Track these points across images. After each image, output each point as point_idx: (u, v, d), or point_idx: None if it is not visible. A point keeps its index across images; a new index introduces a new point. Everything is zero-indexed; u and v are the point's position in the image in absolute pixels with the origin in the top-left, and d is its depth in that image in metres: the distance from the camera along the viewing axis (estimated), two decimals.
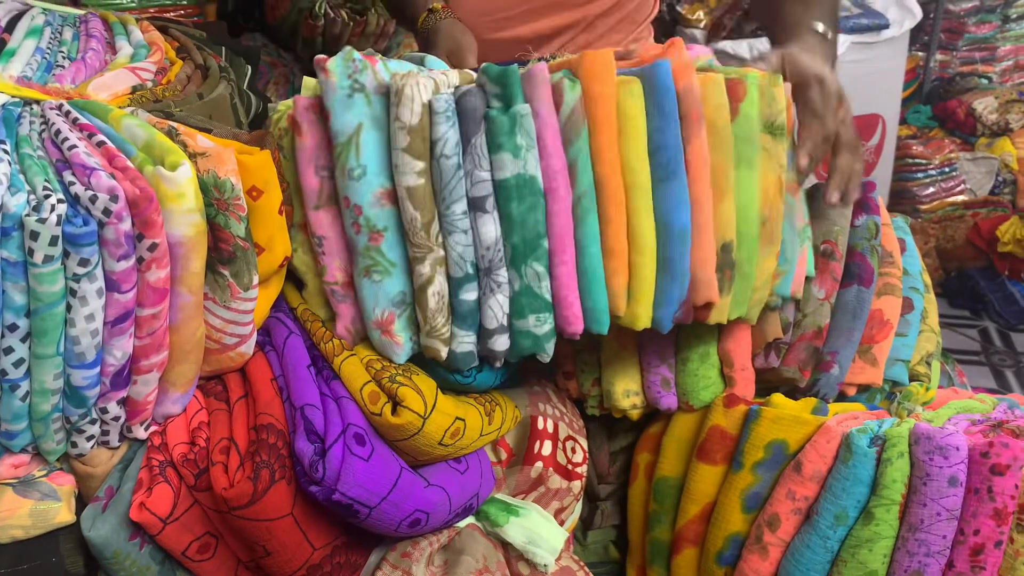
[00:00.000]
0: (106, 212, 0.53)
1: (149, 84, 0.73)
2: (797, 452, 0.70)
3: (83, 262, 0.54)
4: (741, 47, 2.24)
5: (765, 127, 0.66)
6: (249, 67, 0.92)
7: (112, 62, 0.76)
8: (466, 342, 0.65)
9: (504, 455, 0.75)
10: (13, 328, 0.54)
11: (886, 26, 2.29)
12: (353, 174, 0.62)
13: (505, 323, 0.65)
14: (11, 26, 0.75)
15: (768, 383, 0.78)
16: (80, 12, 0.86)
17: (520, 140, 0.61)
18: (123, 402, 0.61)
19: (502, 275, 0.63)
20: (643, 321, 0.65)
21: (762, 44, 2.21)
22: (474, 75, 0.68)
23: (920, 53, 2.89)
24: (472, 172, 0.61)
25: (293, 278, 0.71)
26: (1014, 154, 2.72)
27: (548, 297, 0.64)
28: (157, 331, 0.59)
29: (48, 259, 0.53)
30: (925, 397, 0.79)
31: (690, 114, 0.62)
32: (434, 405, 0.64)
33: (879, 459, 0.66)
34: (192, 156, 0.58)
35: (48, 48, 0.77)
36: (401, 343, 0.66)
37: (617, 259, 0.63)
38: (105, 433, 0.62)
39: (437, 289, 0.64)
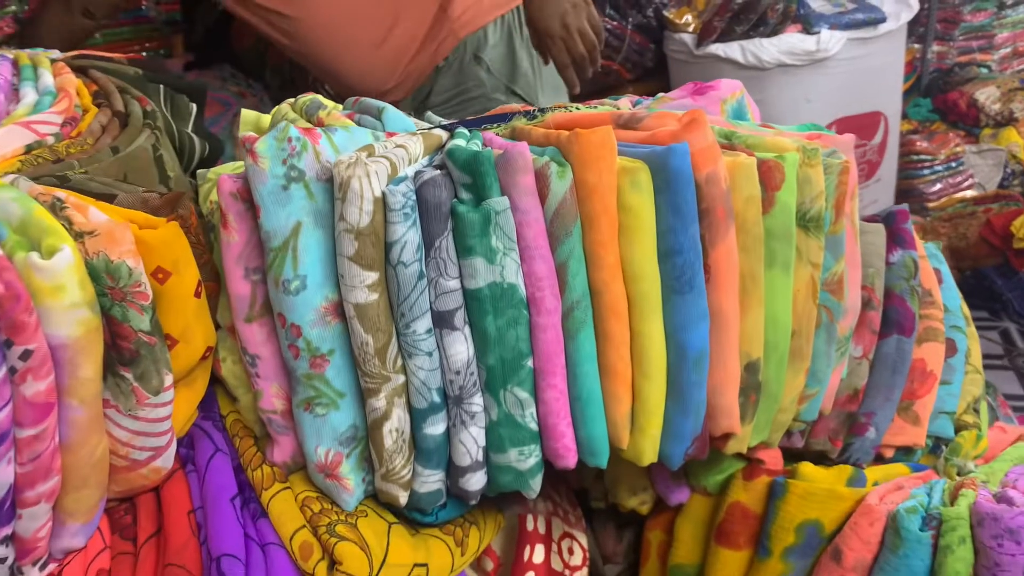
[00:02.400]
0: None
1: (50, 140, 0.63)
2: (834, 534, 0.62)
3: None
4: (733, 49, 2.19)
5: (798, 219, 0.56)
6: (194, 106, 0.82)
7: (9, 115, 0.65)
8: (431, 481, 0.55)
9: (491, 565, 0.67)
10: None
11: (883, 20, 2.24)
12: (290, 287, 0.51)
13: (480, 459, 0.55)
14: None
15: (792, 451, 0.69)
16: None
17: (496, 242, 0.50)
18: (9, 540, 0.52)
19: (476, 403, 0.53)
20: (649, 456, 0.55)
21: (754, 46, 2.17)
22: (442, 136, 0.58)
23: (916, 45, 2.90)
24: (437, 281, 0.51)
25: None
26: (1020, 144, 2.71)
27: (534, 427, 0.54)
28: (43, 454, 0.50)
29: None
30: (976, 450, 0.74)
31: (714, 210, 0.51)
32: (384, 560, 0.54)
33: (935, 545, 0.58)
34: (79, 236, 0.49)
35: None
36: (351, 488, 0.55)
37: (619, 382, 0.54)
38: None
39: (395, 425, 0.53)
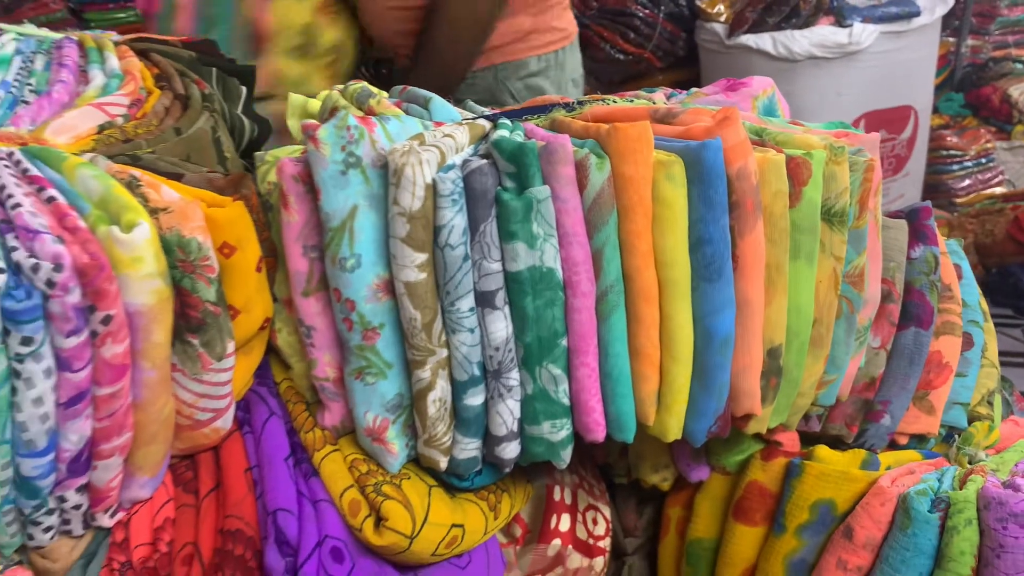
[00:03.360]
0: (49, 283, 0.47)
1: (120, 120, 0.66)
2: (846, 513, 0.64)
3: (26, 340, 0.48)
4: (764, 41, 2.17)
5: (823, 213, 0.58)
6: (244, 88, 0.85)
7: (81, 96, 0.69)
8: (469, 448, 0.59)
9: (519, 531, 0.70)
10: None
11: (917, 14, 2.20)
12: (346, 264, 0.54)
13: (515, 429, 0.58)
14: None
15: (809, 435, 0.72)
16: (57, 36, 0.79)
17: (536, 228, 0.53)
18: (83, 489, 0.56)
19: (513, 377, 0.56)
20: (674, 432, 0.58)
21: (786, 37, 2.15)
22: (486, 126, 0.60)
23: (951, 39, 2.83)
24: (480, 263, 0.54)
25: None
26: None
27: (566, 402, 0.57)
28: (118, 411, 0.53)
29: None
30: (988, 440, 0.74)
31: (744, 203, 0.54)
32: (425, 518, 0.57)
33: (943, 526, 0.60)
34: (154, 212, 0.52)
35: (15, 81, 0.70)
36: (396, 452, 0.59)
37: (647, 363, 0.56)
38: (66, 523, 0.57)
39: (438, 395, 0.56)
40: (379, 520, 0.56)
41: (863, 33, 2.11)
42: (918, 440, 0.74)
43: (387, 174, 0.53)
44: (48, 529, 0.56)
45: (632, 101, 0.69)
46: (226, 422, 0.60)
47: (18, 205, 0.50)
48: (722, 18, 2.30)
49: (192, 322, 0.54)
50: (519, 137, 0.57)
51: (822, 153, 0.57)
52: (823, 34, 2.12)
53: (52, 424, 0.51)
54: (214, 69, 0.82)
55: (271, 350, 0.64)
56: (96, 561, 0.57)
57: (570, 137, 0.56)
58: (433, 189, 0.53)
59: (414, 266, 0.53)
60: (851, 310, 0.62)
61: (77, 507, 0.56)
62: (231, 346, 0.56)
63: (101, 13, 2.23)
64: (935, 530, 0.60)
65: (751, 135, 0.60)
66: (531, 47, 1.20)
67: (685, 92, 0.76)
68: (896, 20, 2.15)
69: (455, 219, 0.52)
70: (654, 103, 0.71)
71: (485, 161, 0.55)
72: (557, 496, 0.70)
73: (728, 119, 0.55)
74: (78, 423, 0.52)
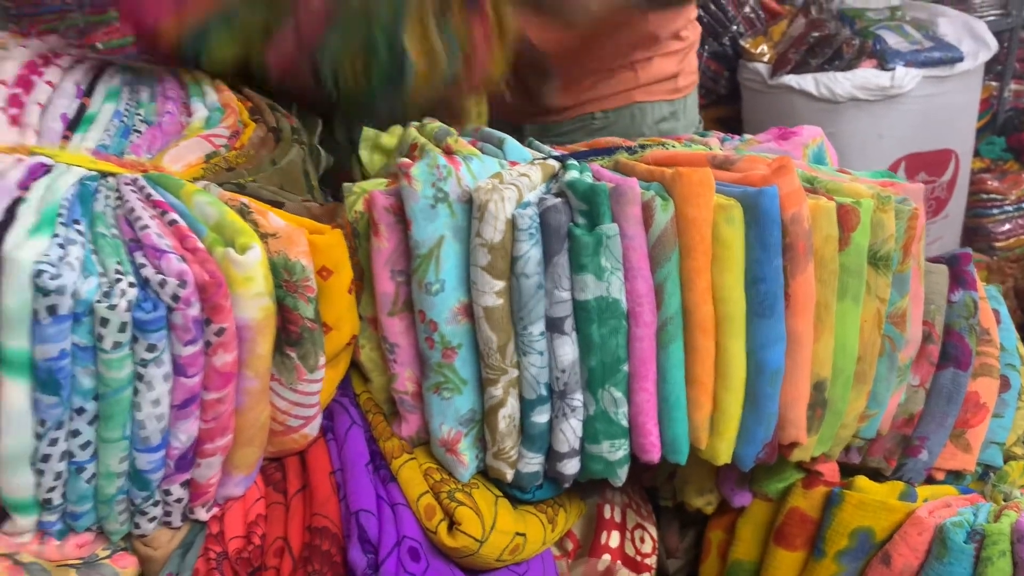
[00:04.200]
0: (175, 298, 0.53)
1: (223, 150, 0.73)
2: (884, 542, 0.66)
3: (151, 347, 0.53)
4: (806, 81, 2.17)
5: (869, 257, 0.62)
6: (320, 120, 0.91)
7: (188, 127, 0.75)
8: (533, 463, 0.63)
9: (571, 546, 0.73)
10: (81, 411, 0.54)
11: (960, 59, 2.18)
12: (431, 289, 0.60)
13: (577, 447, 0.62)
14: (91, 88, 0.74)
15: (849, 466, 0.75)
16: (154, 68, 0.86)
17: (605, 262, 0.58)
18: (186, 484, 0.61)
19: (577, 399, 0.61)
20: (724, 457, 0.62)
21: (828, 79, 2.15)
22: (556, 166, 0.65)
23: (994, 83, 2.81)
24: (552, 291, 0.59)
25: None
26: None
27: (625, 423, 0.61)
28: (222, 415, 0.58)
29: (117, 345, 0.52)
30: (1022, 479, 0.76)
31: (796, 246, 0.58)
32: (493, 525, 0.62)
33: (978, 557, 0.62)
34: (263, 236, 0.57)
35: (126, 111, 0.76)
36: (466, 462, 0.64)
37: (702, 390, 0.60)
38: (167, 515, 0.62)
39: (508, 412, 0.61)
40: (452, 524, 0.61)
41: (905, 77, 2.10)
42: (955, 476, 0.76)
43: (471, 208, 0.59)
44: (152, 519, 0.60)
45: (689, 146, 0.74)
46: (314, 429, 0.64)
47: (146, 227, 0.55)
48: (765, 58, 2.30)
49: (291, 336, 0.59)
50: (588, 178, 0.62)
51: (870, 202, 0.61)
52: (865, 77, 2.11)
53: (166, 423, 0.56)
54: (294, 103, 0.88)
55: (352, 364, 0.68)
56: (193, 551, 0.62)
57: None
58: (512, 223, 0.58)
59: (492, 292, 0.58)
60: (893, 349, 0.65)
61: (179, 500, 0.61)
62: (323, 359, 0.60)
63: None
64: (970, 560, 0.62)
65: (803, 182, 0.64)
66: (670, 90, 1.16)
67: (738, 138, 0.81)
68: (939, 65, 2.13)
69: (531, 251, 0.57)
70: (709, 148, 0.75)
71: (559, 199, 0.60)
72: (607, 514, 0.74)
73: (783, 168, 0.59)
74: (188, 423, 0.57)
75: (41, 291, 0.49)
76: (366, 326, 0.66)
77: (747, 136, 0.80)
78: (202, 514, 0.62)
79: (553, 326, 0.59)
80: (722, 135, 0.82)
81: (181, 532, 0.63)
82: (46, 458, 0.54)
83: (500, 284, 0.58)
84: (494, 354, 0.59)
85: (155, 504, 0.60)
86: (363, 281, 0.66)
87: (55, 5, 2.22)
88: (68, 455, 0.55)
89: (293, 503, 0.63)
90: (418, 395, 0.64)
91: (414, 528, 0.61)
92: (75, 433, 0.55)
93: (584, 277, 0.58)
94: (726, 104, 2.49)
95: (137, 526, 0.61)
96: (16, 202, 0.53)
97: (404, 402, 0.65)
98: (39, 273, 0.49)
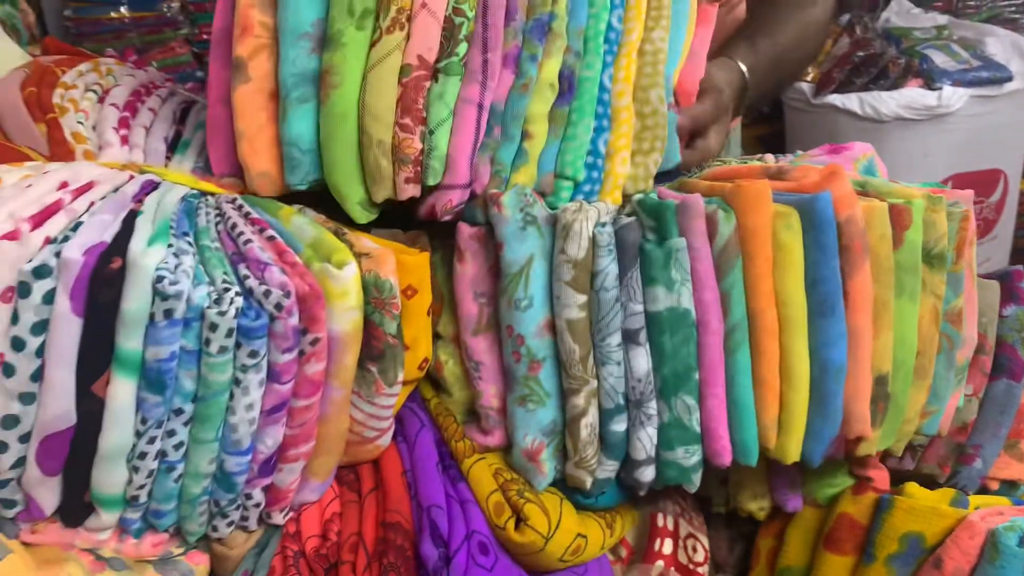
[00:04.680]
0: (278, 307, 0.55)
1: None
2: (935, 547, 0.66)
3: (252, 354, 0.56)
4: (851, 101, 2.17)
5: (923, 255, 0.64)
6: None
7: None
8: (609, 470, 0.66)
9: (624, 552, 0.75)
10: (179, 412, 0.57)
11: (1009, 79, 2.16)
12: (520, 305, 0.63)
13: (653, 455, 0.64)
14: (184, 116, 0.79)
15: (903, 473, 0.75)
16: None
17: (675, 274, 0.61)
18: (266, 489, 0.63)
19: (652, 407, 0.63)
20: (793, 455, 0.64)
21: (873, 98, 2.14)
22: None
23: None
24: (627, 304, 0.62)
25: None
26: None
27: (697, 429, 0.63)
28: (308, 422, 0.61)
29: (222, 350, 0.55)
30: None
31: (852, 246, 0.61)
32: (558, 524, 0.64)
33: None
34: (357, 256, 0.60)
35: None
36: (546, 472, 0.66)
37: (769, 392, 0.62)
38: (244, 519, 0.64)
39: (590, 421, 0.64)
40: (519, 521, 0.64)
41: (953, 96, 2.07)
42: (1008, 487, 0.76)
43: (555, 230, 0.63)
44: (231, 523, 0.63)
45: (745, 162, 0.77)
46: (387, 440, 0.67)
47: (249, 241, 0.59)
48: (808, 77, 2.28)
49: (374, 351, 0.61)
50: (654, 198, 0.66)
51: (921, 201, 0.63)
52: (911, 96, 2.09)
53: (256, 428, 0.58)
54: None
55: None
56: (268, 550, 0.64)
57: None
58: (593, 241, 0.61)
59: (576, 306, 0.62)
60: (951, 347, 0.67)
61: (257, 505, 0.63)
62: (402, 375, 0.63)
63: None
64: (1022, 564, 0.62)
65: (856, 187, 0.66)
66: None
67: (790, 156, 0.84)
68: (987, 84, 2.11)
69: (610, 266, 0.61)
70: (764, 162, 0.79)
71: (632, 218, 0.63)
72: (660, 523, 0.75)
73: (835, 174, 0.62)
74: (275, 429, 0.59)
75: (160, 295, 0.52)
76: (448, 344, 0.70)
77: (799, 152, 0.83)
78: (278, 519, 0.64)
79: (628, 337, 0.62)
80: (772, 156, 0.86)
81: (256, 534, 0.65)
82: (143, 455, 0.56)
83: (582, 298, 0.62)
84: (576, 364, 0.63)
85: (236, 508, 0.62)
86: (442, 303, 0.70)
87: (113, 25, 2.33)
88: (161, 454, 0.57)
89: (367, 502, 0.66)
90: (502, 410, 0.68)
91: (483, 524, 0.64)
92: (171, 433, 0.57)
93: (656, 289, 0.61)
94: (768, 123, 2.49)
95: (215, 529, 0.63)
96: (132, 214, 0.57)
97: (489, 417, 0.68)
98: (160, 279, 0.52)
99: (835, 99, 2.18)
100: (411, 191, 0.63)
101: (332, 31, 0.61)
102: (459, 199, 0.64)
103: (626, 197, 0.68)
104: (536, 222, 0.63)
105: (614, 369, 0.62)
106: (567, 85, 0.66)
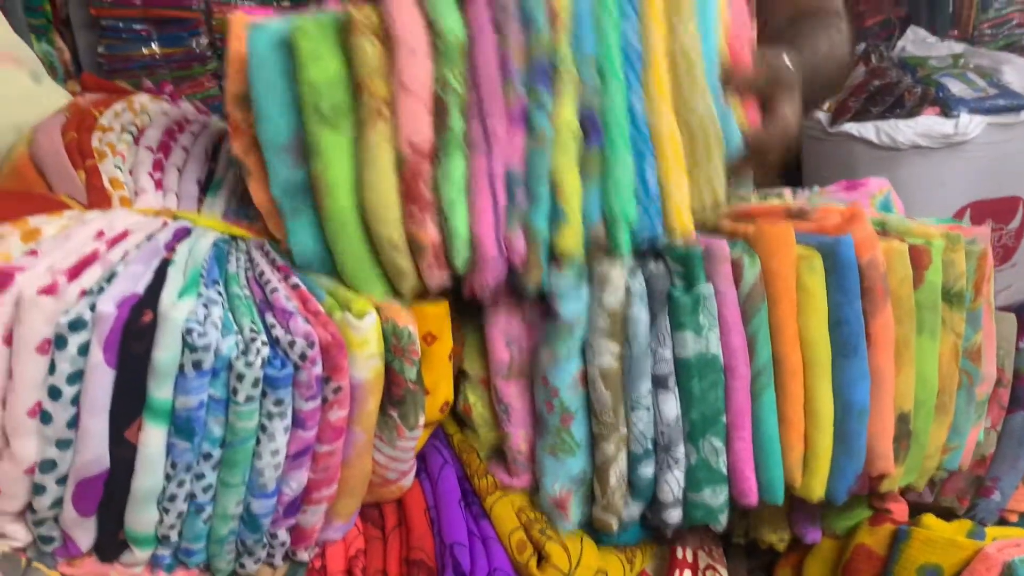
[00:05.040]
0: (302, 356, 0.56)
1: None
2: None
3: (278, 402, 0.57)
4: (867, 129, 2.17)
5: (943, 294, 0.65)
6: None
7: None
8: (635, 512, 0.66)
9: None
10: (208, 457, 0.58)
11: None
12: (561, 359, 0.64)
13: (680, 497, 0.65)
14: (215, 152, 0.79)
15: (922, 506, 0.76)
16: None
17: (703, 320, 0.61)
18: (291, 528, 0.64)
19: (679, 450, 0.64)
20: (818, 493, 0.64)
21: (889, 126, 2.14)
22: None
23: None
24: (656, 350, 0.62)
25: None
26: None
27: (724, 470, 0.64)
28: (331, 466, 0.62)
29: (249, 399, 0.56)
30: None
31: (874, 288, 0.61)
32: (579, 561, 0.65)
33: None
34: (375, 306, 0.61)
35: None
36: (571, 518, 0.67)
37: (794, 432, 0.63)
38: (270, 556, 0.65)
39: (619, 467, 0.64)
40: (540, 559, 0.64)
41: (970, 124, 2.07)
42: None
43: (590, 280, 0.63)
44: (257, 560, 0.64)
45: (764, 197, 0.78)
46: (409, 481, 0.68)
47: (275, 289, 0.60)
48: (825, 107, 2.29)
49: (394, 397, 0.62)
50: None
51: (941, 242, 0.64)
52: (928, 124, 2.09)
53: (281, 472, 0.60)
54: None
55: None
56: None
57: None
58: (627, 290, 0.62)
59: (610, 354, 0.62)
60: (971, 383, 0.68)
61: (283, 544, 0.64)
62: (423, 419, 0.63)
63: None
64: None
65: (875, 227, 0.67)
66: None
67: (808, 190, 0.84)
68: (1004, 112, 2.11)
69: (641, 314, 0.62)
70: (783, 200, 0.79)
71: (662, 265, 0.64)
72: (680, 555, 0.75)
73: (855, 216, 0.63)
74: (300, 472, 0.60)
75: (189, 347, 0.54)
76: (478, 386, 0.71)
77: (817, 188, 0.83)
78: (303, 556, 0.65)
79: (658, 383, 0.63)
80: (792, 189, 0.86)
81: (281, 570, 0.66)
82: (172, 498, 0.58)
83: (616, 347, 0.62)
84: (608, 412, 0.63)
85: (262, 546, 0.63)
86: (460, 346, 0.70)
87: (144, 61, 2.40)
88: (191, 496, 0.59)
89: (391, 538, 0.66)
90: (530, 455, 0.68)
91: (504, 561, 0.64)
92: (199, 476, 0.58)
93: (684, 335, 0.62)
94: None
95: (243, 566, 0.64)
96: (164, 263, 0.59)
97: (517, 460, 0.69)
98: (189, 331, 0.54)
99: (851, 128, 2.18)
100: (439, 278, 0.60)
101: (308, 139, 0.57)
102: (495, 277, 0.61)
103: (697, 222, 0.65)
104: (583, 278, 0.63)
105: (644, 415, 0.63)
106: (590, 125, 0.59)
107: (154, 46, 2.38)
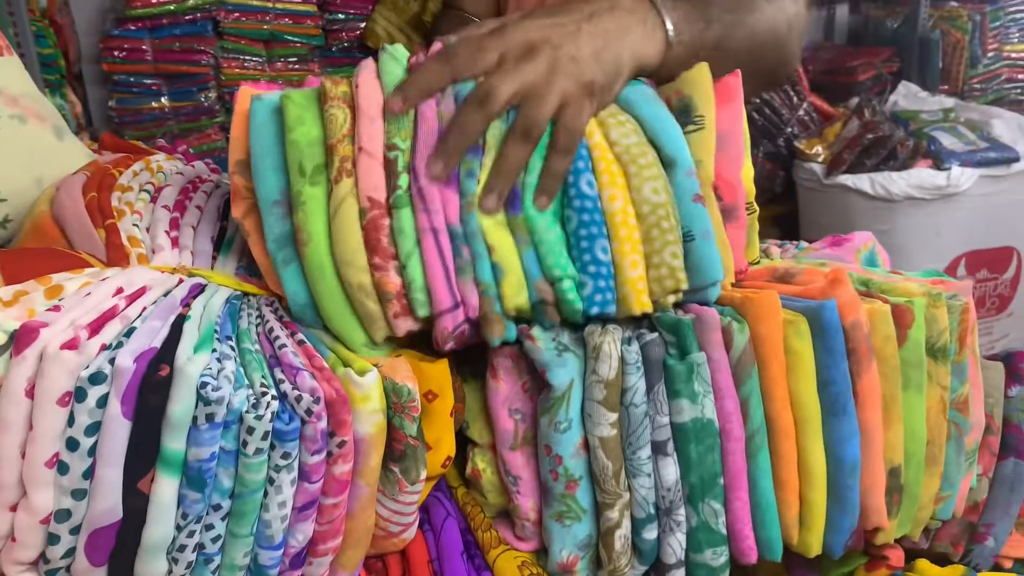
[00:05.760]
0: (308, 411, 0.58)
1: None
2: None
3: (285, 455, 0.58)
4: (862, 181, 2.22)
5: (927, 350, 0.67)
6: None
7: None
8: (639, 574, 0.68)
9: None
10: (217, 508, 0.59)
11: (1016, 159, 2.21)
12: (560, 427, 0.65)
13: (683, 558, 0.66)
14: (226, 212, 0.82)
15: (917, 552, 0.76)
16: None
17: (697, 387, 0.63)
18: None
19: (680, 513, 0.65)
20: (815, 549, 0.66)
21: (883, 178, 2.19)
22: None
23: None
24: (654, 417, 0.64)
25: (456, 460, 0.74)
26: None
27: (724, 531, 0.65)
28: (336, 519, 0.63)
29: (258, 451, 0.58)
30: None
31: (859, 349, 0.64)
32: None
33: None
34: (378, 363, 0.63)
35: None
36: None
37: (789, 491, 0.65)
38: None
39: (623, 532, 0.66)
40: None
41: (961, 176, 2.11)
42: (1022, 565, 0.77)
43: (586, 351, 0.65)
44: None
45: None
46: (411, 534, 0.69)
47: (284, 345, 0.63)
48: (820, 158, 2.34)
49: (396, 452, 0.63)
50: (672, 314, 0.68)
51: (922, 300, 0.66)
52: (921, 176, 2.14)
53: (288, 524, 0.61)
54: None
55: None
56: None
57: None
58: (621, 359, 0.64)
59: (608, 423, 0.64)
60: (959, 433, 0.70)
61: None
62: (424, 474, 0.65)
63: None
64: None
65: (858, 285, 0.70)
66: None
67: (795, 246, 0.87)
68: (995, 165, 2.16)
69: (638, 383, 0.64)
70: (769, 256, 0.82)
71: (655, 334, 0.66)
72: None
73: (838, 280, 0.66)
74: (306, 525, 0.61)
75: (203, 401, 0.56)
76: (487, 451, 0.72)
77: (803, 244, 0.86)
78: None
79: (657, 449, 0.65)
80: (778, 242, 0.89)
81: None
82: (182, 548, 0.59)
83: (613, 416, 0.64)
84: (610, 480, 0.65)
85: None
86: (463, 404, 0.72)
87: (154, 114, 2.45)
88: (200, 547, 0.60)
89: None
90: (538, 522, 0.69)
91: None
92: (209, 527, 0.59)
93: (680, 402, 0.64)
94: (782, 202, 2.55)
95: None
96: (180, 319, 0.61)
97: (525, 527, 0.70)
98: (203, 385, 0.56)
99: (846, 179, 2.22)
100: (405, 325, 0.64)
101: (292, 193, 0.63)
102: (452, 325, 0.63)
103: (656, 303, 0.67)
104: (569, 348, 0.66)
105: (645, 481, 0.64)
106: (511, 195, 0.63)
107: (164, 100, 2.44)
